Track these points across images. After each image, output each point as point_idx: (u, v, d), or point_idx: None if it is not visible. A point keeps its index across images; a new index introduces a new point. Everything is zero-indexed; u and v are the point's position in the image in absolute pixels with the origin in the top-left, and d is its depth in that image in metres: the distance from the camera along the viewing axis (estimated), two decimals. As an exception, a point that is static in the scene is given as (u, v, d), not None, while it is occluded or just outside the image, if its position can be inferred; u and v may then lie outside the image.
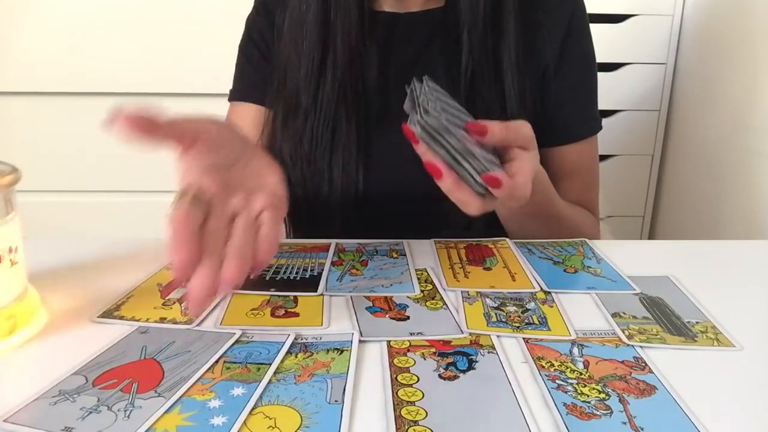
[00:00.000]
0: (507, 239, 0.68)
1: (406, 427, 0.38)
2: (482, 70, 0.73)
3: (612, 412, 0.40)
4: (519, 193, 0.53)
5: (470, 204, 0.53)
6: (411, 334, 0.49)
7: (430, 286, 0.58)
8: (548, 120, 0.78)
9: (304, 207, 0.76)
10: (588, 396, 0.41)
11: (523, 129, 0.57)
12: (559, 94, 0.78)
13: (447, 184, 0.53)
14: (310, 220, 0.79)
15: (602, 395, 0.42)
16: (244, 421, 0.38)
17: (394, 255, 0.64)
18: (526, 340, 0.48)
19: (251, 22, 0.83)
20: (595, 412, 0.40)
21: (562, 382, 0.43)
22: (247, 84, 0.83)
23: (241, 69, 0.85)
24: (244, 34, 0.84)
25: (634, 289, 0.57)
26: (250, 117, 0.81)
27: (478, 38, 0.72)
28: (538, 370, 0.44)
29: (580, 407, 0.40)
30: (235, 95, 0.84)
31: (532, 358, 0.46)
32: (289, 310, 0.53)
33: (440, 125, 0.51)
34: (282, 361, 0.45)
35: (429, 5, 0.77)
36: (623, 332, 0.50)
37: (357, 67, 0.74)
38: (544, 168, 0.80)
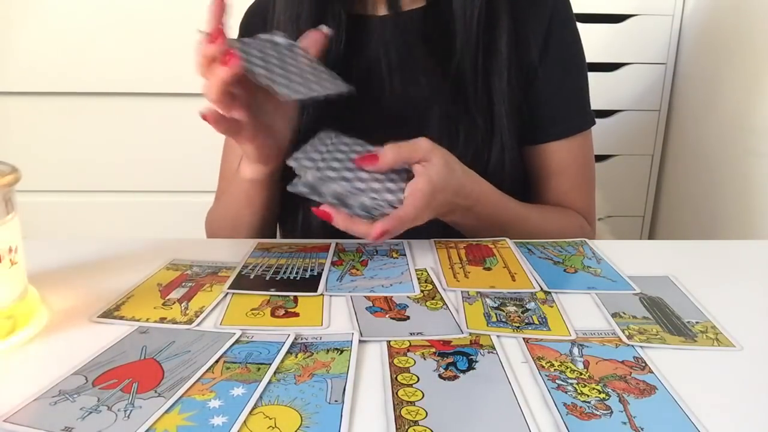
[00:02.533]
0: (507, 239, 0.68)
1: (406, 427, 0.38)
2: (470, 70, 0.73)
3: (612, 412, 0.40)
4: (406, 212, 0.58)
5: (369, 233, 0.58)
6: (411, 334, 0.49)
7: (430, 286, 0.58)
8: (533, 117, 0.77)
9: (287, 200, 0.76)
10: (588, 396, 0.41)
11: (419, 143, 0.61)
12: (543, 89, 0.77)
13: (340, 223, 0.58)
14: (292, 214, 0.78)
15: (602, 395, 0.42)
16: (244, 421, 0.38)
17: (394, 255, 0.64)
18: (526, 340, 0.48)
19: None
20: (595, 412, 0.40)
21: (562, 382, 0.43)
22: None
23: None
24: None
25: (634, 289, 0.57)
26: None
27: (472, 40, 0.72)
28: (538, 370, 0.44)
29: (580, 407, 0.40)
30: None
31: (532, 358, 0.46)
32: (289, 310, 0.53)
33: (315, 180, 0.58)
34: (282, 361, 0.45)
35: (413, 5, 0.76)
36: (623, 332, 0.50)
37: (346, 70, 0.74)
38: (529, 167, 0.80)
